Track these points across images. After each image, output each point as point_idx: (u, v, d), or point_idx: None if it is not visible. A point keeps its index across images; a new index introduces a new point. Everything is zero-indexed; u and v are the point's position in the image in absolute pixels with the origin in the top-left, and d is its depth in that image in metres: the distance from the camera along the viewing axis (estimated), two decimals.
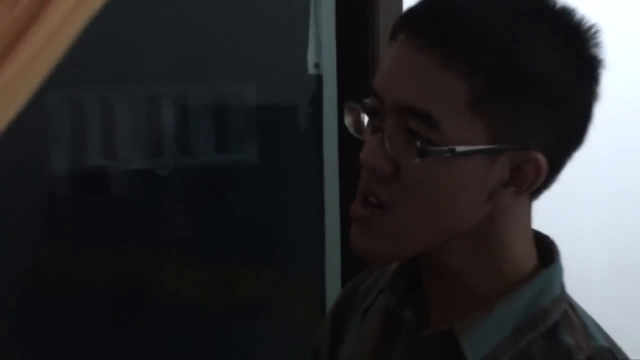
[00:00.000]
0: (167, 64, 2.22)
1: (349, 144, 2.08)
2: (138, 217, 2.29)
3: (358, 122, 1.26)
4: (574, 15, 1.19)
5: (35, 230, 2.20)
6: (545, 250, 1.28)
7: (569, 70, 1.17)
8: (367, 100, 1.22)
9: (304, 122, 2.38)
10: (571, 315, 1.25)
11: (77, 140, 2.20)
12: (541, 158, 1.17)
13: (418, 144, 1.14)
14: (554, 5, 1.19)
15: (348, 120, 1.25)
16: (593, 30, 1.19)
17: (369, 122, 1.23)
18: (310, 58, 2.27)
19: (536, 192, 1.22)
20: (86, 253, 2.25)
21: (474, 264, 1.24)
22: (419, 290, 1.32)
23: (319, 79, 2.28)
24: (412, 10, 1.21)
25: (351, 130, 1.25)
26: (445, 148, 1.14)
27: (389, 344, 1.34)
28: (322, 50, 2.27)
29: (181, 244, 2.32)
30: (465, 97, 1.13)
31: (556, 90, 1.16)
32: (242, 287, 2.38)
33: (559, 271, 1.26)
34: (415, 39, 1.16)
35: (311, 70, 2.28)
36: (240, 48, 2.26)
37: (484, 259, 1.24)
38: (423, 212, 1.20)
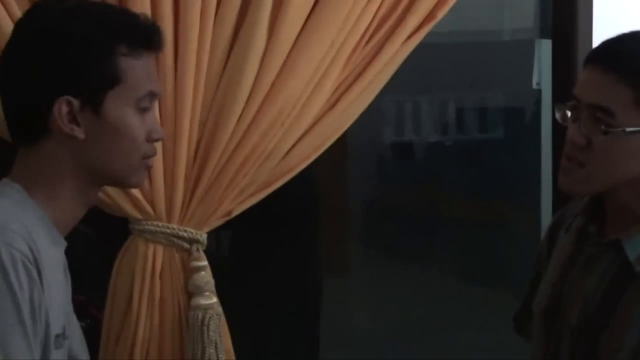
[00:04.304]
0: (452, 82, 2.94)
1: (556, 128, 2.67)
2: (432, 168, 3.07)
3: (563, 115, 1.70)
4: None
5: (371, 174, 3.02)
6: None
7: None
8: (568, 103, 1.67)
9: (531, 115, 2.99)
10: None
11: (399, 125, 2.94)
12: None
13: (602, 127, 1.58)
14: None
15: (558, 115, 1.73)
16: None
17: (570, 115, 1.68)
18: (535, 79, 2.86)
19: None
20: (398, 185, 3.08)
21: (635, 199, 1.65)
22: (600, 215, 1.74)
23: (539, 91, 2.88)
24: (596, 49, 1.67)
25: (559, 119, 1.72)
26: (619, 129, 1.58)
27: (580, 247, 1.76)
28: (542, 75, 2.84)
29: (455, 183, 3.07)
30: (631, 99, 1.57)
31: None
32: (490, 213, 3.08)
33: None
34: (600, 66, 1.62)
35: (535, 86, 2.87)
36: (495, 75, 2.94)
37: None
38: (604, 167, 1.63)
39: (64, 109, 1.46)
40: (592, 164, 1.63)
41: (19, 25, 1.54)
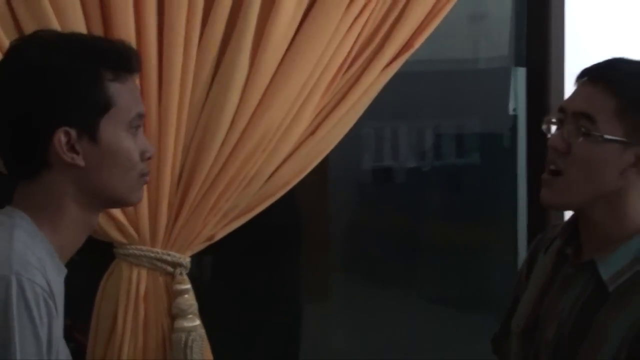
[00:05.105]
0: (429, 109, 2.96)
1: (531, 153, 2.84)
2: (411, 193, 3.06)
3: (548, 127, 1.76)
4: None
5: (351, 199, 3.00)
6: None
7: None
8: (554, 117, 1.74)
9: (507, 140, 3.03)
10: None
11: (378, 150, 2.94)
12: None
13: (583, 129, 1.64)
14: None
15: (544, 126, 1.78)
16: None
17: (556, 128, 1.73)
18: (511, 106, 2.91)
19: None
20: (380, 210, 3.06)
21: (609, 219, 1.69)
22: (577, 238, 1.78)
23: (515, 117, 2.93)
24: (588, 67, 1.73)
25: (544, 130, 1.78)
26: (598, 134, 1.63)
27: (558, 268, 1.80)
28: (517, 101, 2.89)
29: (433, 208, 3.07)
30: (613, 109, 1.63)
31: None
32: (464, 236, 3.07)
33: None
34: (588, 79, 1.70)
35: (511, 112, 2.93)
36: (472, 102, 2.98)
37: (615, 216, 1.69)
38: (583, 175, 1.67)
39: (63, 139, 1.50)
40: (569, 170, 1.67)
41: (4, 65, 1.57)
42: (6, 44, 1.89)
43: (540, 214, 2.77)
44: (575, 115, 1.67)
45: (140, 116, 1.61)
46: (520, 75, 2.90)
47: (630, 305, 1.63)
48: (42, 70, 1.50)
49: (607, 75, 1.68)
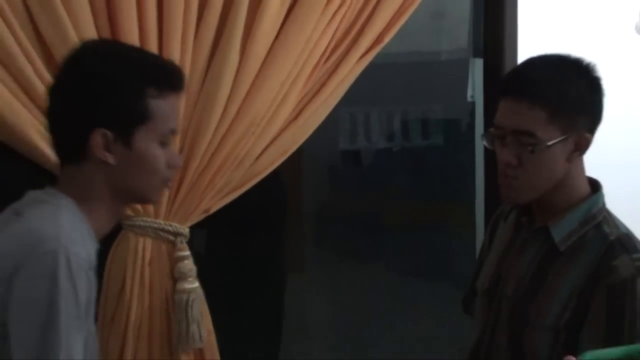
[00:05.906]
0: (398, 96, 3.11)
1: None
2: (379, 173, 3.20)
3: (491, 141, 1.85)
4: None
5: (327, 180, 3.13)
6: (594, 185, 1.88)
7: (589, 92, 1.81)
8: (492, 130, 1.83)
9: (465, 125, 3.17)
10: (607, 217, 1.85)
11: (352, 133, 3.09)
12: (588, 136, 1.80)
13: (529, 148, 1.75)
14: (585, 64, 1.83)
15: (486, 142, 1.88)
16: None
17: (497, 140, 1.83)
18: (469, 93, 3.01)
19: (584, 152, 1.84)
20: (349, 190, 3.22)
21: (557, 193, 1.84)
22: (530, 208, 1.92)
23: (473, 104, 3.04)
24: (508, 82, 1.86)
25: (488, 145, 1.88)
26: (542, 145, 1.75)
27: (515, 235, 1.96)
28: (475, 89, 3.00)
29: (399, 186, 3.20)
30: (545, 118, 1.76)
31: (587, 104, 1.81)
32: (429, 213, 3.23)
33: (601, 195, 1.87)
34: (514, 97, 1.79)
35: (469, 99, 3.02)
36: (435, 90, 3.15)
37: (563, 191, 1.84)
38: (535, 176, 1.81)
39: (100, 139, 1.64)
40: (524, 176, 1.80)
41: (65, 66, 1.71)
42: (23, 38, 2.08)
43: (495, 191, 2.89)
44: (514, 132, 1.78)
45: (173, 131, 1.74)
46: (477, 66, 3.04)
47: (576, 262, 1.81)
48: (93, 76, 1.64)
49: (530, 91, 1.77)
